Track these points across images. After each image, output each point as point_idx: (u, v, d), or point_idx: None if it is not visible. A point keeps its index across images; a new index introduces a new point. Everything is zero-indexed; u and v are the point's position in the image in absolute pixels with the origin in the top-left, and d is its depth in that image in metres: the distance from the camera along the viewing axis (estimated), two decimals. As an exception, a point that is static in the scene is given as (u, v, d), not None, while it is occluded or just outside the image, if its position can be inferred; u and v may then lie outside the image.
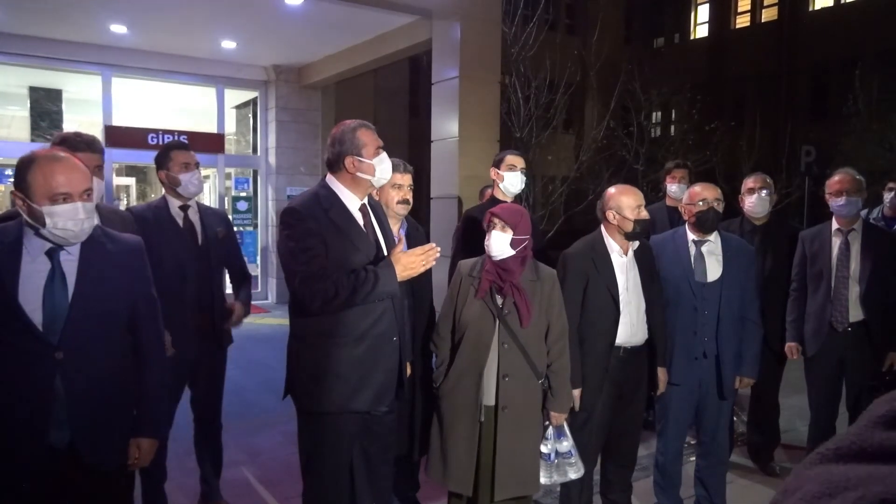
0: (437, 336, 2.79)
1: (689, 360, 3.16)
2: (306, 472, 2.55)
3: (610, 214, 3.01)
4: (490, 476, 2.64)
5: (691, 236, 3.25)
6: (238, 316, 3.35)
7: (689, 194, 3.28)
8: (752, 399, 4.18)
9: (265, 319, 9.45)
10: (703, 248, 3.23)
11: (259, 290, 10.85)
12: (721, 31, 19.00)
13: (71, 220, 1.88)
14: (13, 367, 1.89)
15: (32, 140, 9.86)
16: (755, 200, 3.87)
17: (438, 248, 2.43)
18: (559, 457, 2.78)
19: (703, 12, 19.79)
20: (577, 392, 2.98)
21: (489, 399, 2.63)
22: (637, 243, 3.07)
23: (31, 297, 1.88)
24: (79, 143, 2.62)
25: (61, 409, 1.91)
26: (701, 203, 3.17)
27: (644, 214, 2.98)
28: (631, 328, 3.00)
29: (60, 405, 1.91)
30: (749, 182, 3.94)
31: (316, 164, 11.02)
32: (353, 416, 2.48)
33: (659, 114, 16.23)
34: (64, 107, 10.35)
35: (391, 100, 14.52)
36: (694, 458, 3.63)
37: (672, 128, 16.34)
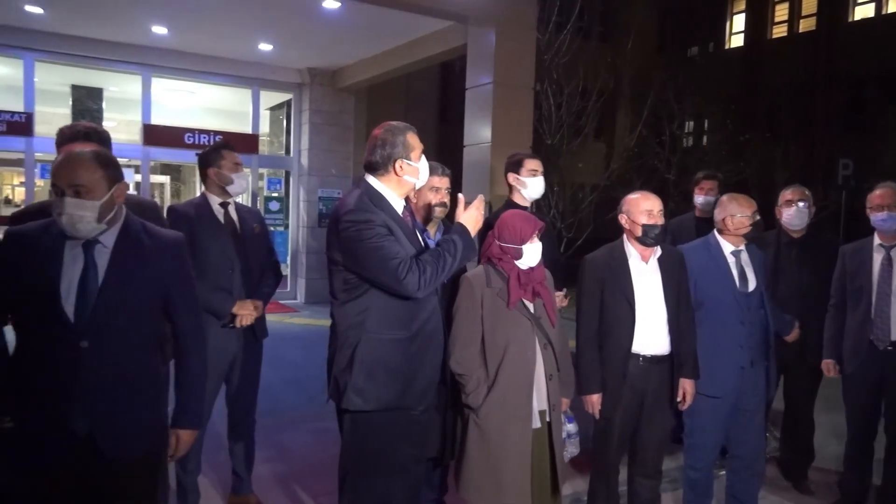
0: (464, 358, 2.64)
1: (734, 371, 3.13)
2: (348, 474, 2.54)
3: (623, 218, 3.02)
4: (549, 477, 2.64)
5: (730, 247, 3.23)
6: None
7: (736, 205, 3.23)
8: (786, 415, 4.11)
9: (294, 319, 9.54)
10: (742, 258, 3.21)
11: (288, 289, 10.97)
12: (757, 40, 18.76)
13: (60, 213, 1.90)
14: (43, 353, 1.95)
15: (73, 137, 10.10)
16: (793, 213, 3.82)
17: (483, 197, 2.58)
18: (568, 438, 2.85)
19: (739, 22, 19.57)
20: (595, 398, 2.99)
21: (541, 403, 2.63)
22: (660, 250, 3.05)
23: (67, 286, 1.94)
24: (77, 134, 2.60)
25: (83, 398, 1.94)
26: (749, 214, 3.18)
27: (655, 220, 2.96)
28: (650, 336, 2.97)
29: (83, 394, 1.94)
30: (787, 194, 3.89)
31: (347, 166, 11.13)
32: (399, 413, 2.50)
33: (692, 123, 16.06)
34: (104, 105, 10.60)
35: (422, 104, 14.59)
36: (723, 473, 3.59)
37: (705, 138, 16.16)
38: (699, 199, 4.52)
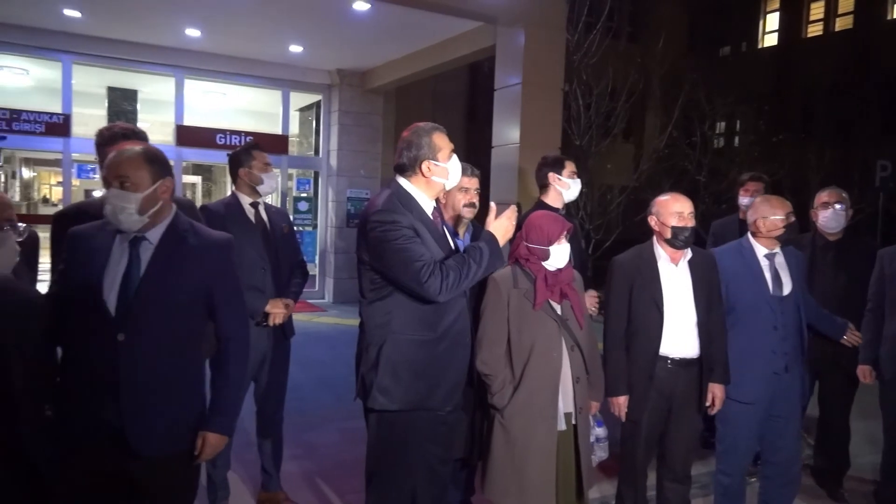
0: (489, 359, 2.63)
1: (767, 377, 3.08)
2: (374, 473, 2.56)
3: (652, 220, 3.00)
4: (573, 480, 2.63)
5: (763, 249, 3.17)
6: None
7: (769, 207, 3.17)
8: (820, 422, 4.03)
9: (322, 318, 9.62)
10: (776, 262, 3.15)
11: (316, 289, 11.06)
12: (791, 39, 18.43)
13: (106, 204, 2.01)
14: (84, 344, 2.01)
15: (109, 138, 10.32)
16: (829, 215, 3.75)
17: (516, 208, 2.57)
18: (597, 442, 2.82)
19: (773, 21, 19.24)
20: (622, 400, 2.96)
21: (567, 405, 2.61)
22: (690, 252, 3.01)
23: (111, 280, 2.00)
24: (115, 135, 2.68)
25: (117, 392, 1.97)
26: (783, 216, 3.12)
27: (686, 223, 2.92)
28: (678, 338, 2.94)
29: (117, 387, 1.97)
30: (823, 196, 3.81)
31: (376, 166, 11.19)
32: (425, 414, 2.51)
33: (723, 124, 15.83)
34: (139, 106, 10.81)
35: (449, 105, 14.62)
36: (754, 480, 3.53)
37: (737, 139, 15.91)
38: (744, 200, 4.43)
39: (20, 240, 1.77)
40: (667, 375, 2.94)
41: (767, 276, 3.13)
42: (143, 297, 1.99)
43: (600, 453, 2.85)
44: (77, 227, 2.14)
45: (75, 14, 8.08)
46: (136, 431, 1.98)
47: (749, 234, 3.24)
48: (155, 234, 2.07)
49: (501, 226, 2.50)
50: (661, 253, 3.00)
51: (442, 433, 2.62)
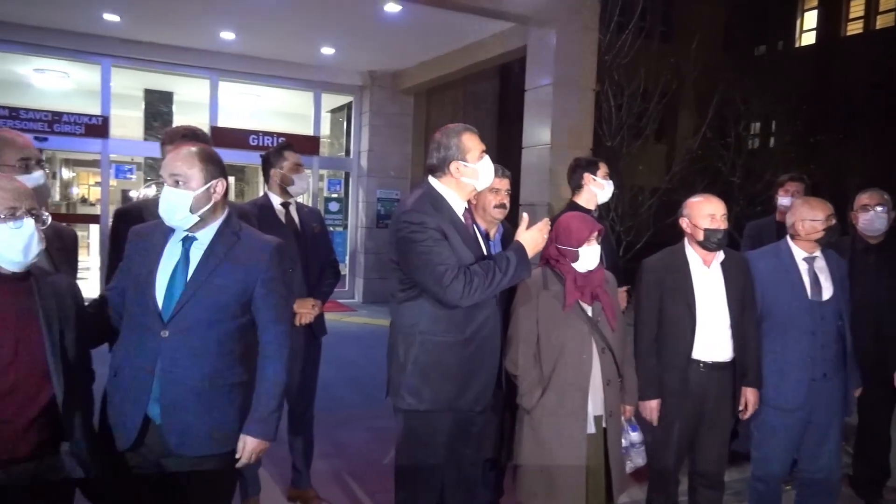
0: (519, 360, 2.63)
1: (804, 383, 3.01)
2: (403, 472, 2.57)
3: (683, 222, 2.95)
4: (603, 484, 2.61)
5: (802, 253, 3.10)
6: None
7: (808, 209, 3.11)
8: (859, 430, 3.93)
9: (352, 318, 9.69)
10: (816, 265, 3.08)
11: (346, 288, 11.14)
12: (830, 38, 18.00)
13: (161, 201, 2.06)
14: (133, 339, 2.06)
15: (145, 139, 10.55)
16: (870, 218, 3.64)
17: (549, 222, 2.55)
18: (632, 447, 2.78)
19: (811, 19, 18.82)
20: (653, 404, 2.92)
21: (597, 408, 2.60)
22: (723, 254, 2.96)
23: (162, 276, 2.05)
24: (175, 135, 2.80)
25: (159, 387, 2.01)
26: (823, 219, 3.05)
27: (719, 225, 2.87)
28: (711, 342, 2.89)
29: (158, 383, 2.00)
30: (864, 198, 3.71)
31: (406, 167, 11.24)
32: (454, 415, 2.51)
33: (758, 125, 15.53)
34: (174, 108, 11.02)
35: (480, 106, 14.59)
36: (789, 488, 3.45)
37: (772, 140, 15.60)
38: (784, 200, 4.34)
39: (44, 228, 1.82)
40: (699, 379, 2.90)
41: (806, 280, 3.06)
42: (189, 296, 2.02)
43: (637, 459, 2.80)
44: (138, 224, 2.21)
45: (114, 18, 8.27)
46: (175, 429, 2.01)
47: (788, 237, 3.18)
48: (206, 235, 2.10)
49: (531, 237, 2.48)
50: (693, 255, 2.95)
51: (471, 434, 2.63)
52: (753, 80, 13.00)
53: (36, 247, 1.80)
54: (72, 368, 1.89)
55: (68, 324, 1.90)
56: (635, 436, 2.80)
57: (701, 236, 2.88)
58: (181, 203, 2.03)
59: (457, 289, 2.29)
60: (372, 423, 4.87)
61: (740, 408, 2.97)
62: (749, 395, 2.97)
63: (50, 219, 1.86)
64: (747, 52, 18.45)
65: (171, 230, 2.11)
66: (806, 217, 3.07)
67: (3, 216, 1.74)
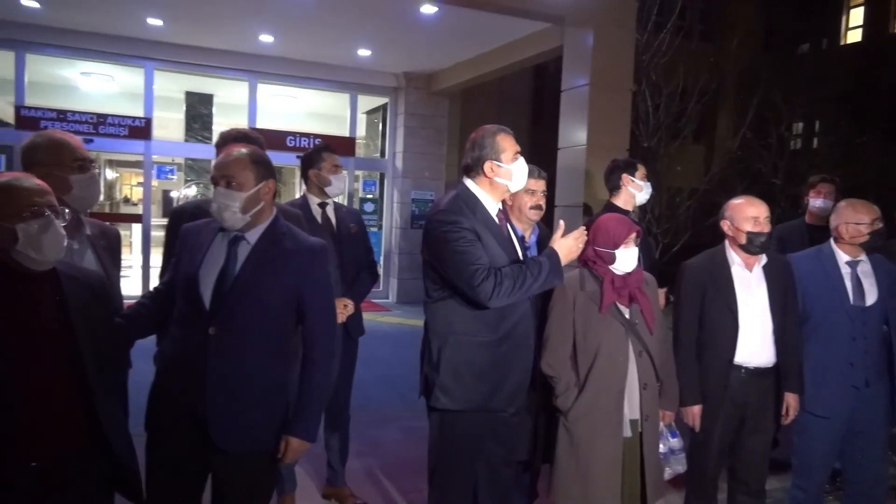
0: (554, 361, 2.63)
1: (844, 391, 2.94)
2: (436, 471, 2.58)
3: (725, 224, 2.90)
4: (638, 489, 2.58)
5: (845, 257, 3.02)
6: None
7: (852, 211, 3.03)
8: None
9: (386, 318, 9.75)
10: (859, 270, 3.00)
11: (381, 289, 11.21)
12: (878, 35, 17.46)
13: (213, 202, 2.11)
14: (181, 335, 2.10)
15: (186, 140, 10.78)
16: (919, 220, 3.54)
17: (585, 230, 2.54)
18: (671, 454, 2.75)
19: (857, 16, 18.29)
20: (695, 409, 2.88)
21: (633, 412, 2.57)
22: (765, 258, 2.90)
23: (209, 275, 2.08)
24: (227, 138, 2.87)
25: (204, 384, 2.03)
26: (868, 222, 2.96)
27: (762, 228, 2.81)
28: (754, 347, 2.83)
29: (204, 379, 2.03)
30: (912, 200, 3.60)
31: (440, 168, 11.26)
32: (487, 415, 2.51)
33: (801, 125, 15.15)
34: (214, 110, 11.24)
35: (514, 107, 14.56)
36: (832, 498, 3.37)
37: (815, 140, 15.21)
38: (816, 202, 4.24)
39: (64, 224, 1.82)
40: (741, 385, 2.84)
41: (848, 284, 2.99)
42: (235, 295, 2.06)
43: (676, 466, 2.76)
44: (189, 223, 2.26)
45: (158, 22, 8.48)
46: (220, 426, 2.03)
47: (831, 240, 3.10)
48: (253, 235, 2.14)
49: (566, 245, 2.48)
50: (735, 258, 2.90)
51: (504, 434, 2.62)
52: (796, 78, 12.70)
53: (61, 243, 1.80)
54: (105, 363, 1.90)
55: (99, 318, 1.92)
56: (675, 442, 2.77)
57: (743, 239, 2.83)
58: (233, 203, 2.07)
59: (486, 289, 2.30)
60: (405, 423, 4.89)
61: (783, 414, 2.91)
62: (791, 401, 2.91)
63: (69, 214, 1.85)
64: (790, 50, 18.01)
65: (220, 229, 2.15)
66: (850, 220, 2.99)
67: (25, 215, 1.72)
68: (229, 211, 2.07)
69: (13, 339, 1.71)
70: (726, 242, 2.95)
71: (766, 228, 2.82)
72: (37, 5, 7.93)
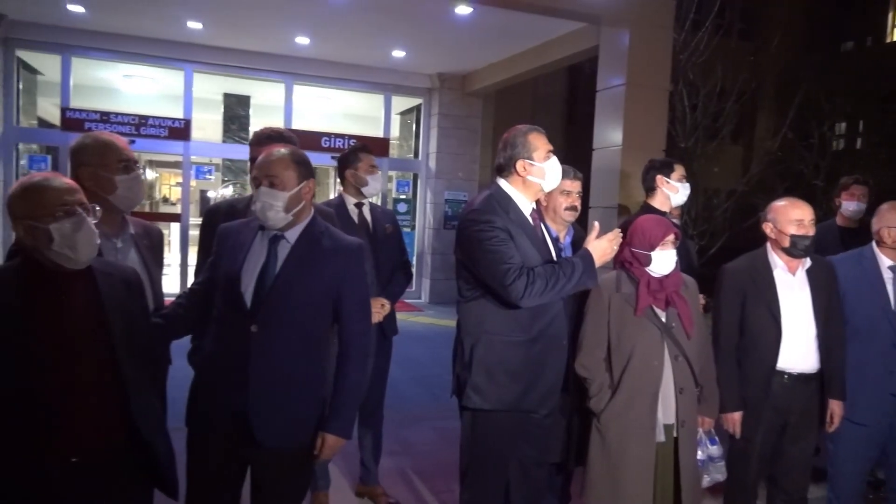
0: (588, 362, 2.61)
1: (884, 398, 2.86)
2: (468, 471, 2.58)
3: (767, 227, 2.84)
4: (671, 495, 2.55)
5: (887, 261, 2.94)
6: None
7: (895, 214, 2.95)
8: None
9: (419, 318, 9.78)
10: (903, 275, 2.92)
11: (413, 289, 11.25)
12: (925, 33, 16.91)
13: (256, 201, 2.12)
14: (223, 334, 2.13)
15: (224, 141, 10.97)
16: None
17: (620, 233, 2.51)
18: (710, 461, 2.70)
19: (904, 13, 17.74)
20: (735, 416, 2.82)
21: (668, 417, 2.53)
22: (809, 261, 2.84)
23: (250, 274, 2.11)
24: (261, 138, 2.85)
25: (248, 381, 2.06)
26: None
27: (806, 231, 2.75)
28: (797, 352, 2.77)
29: (247, 377, 2.06)
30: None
31: (474, 169, 11.26)
32: (519, 415, 2.51)
33: (844, 125, 14.76)
34: (251, 111, 11.41)
35: (549, 107, 14.49)
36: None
37: (859, 140, 14.80)
38: (850, 205, 4.14)
39: (95, 221, 1.83)
40: (783, 391, 2.79)
41: (890, 289, 2.91)
42: (276, 293, 2.08)
43: (715, 474, 2.71)
44: (226, 223, 2.30)
45: (197, 26, 8.65)
46: (260, 422, 2.06)
47: (873, 244, 3.02)
48: (293, 234, 2.17)
49: (600, 247, 2.46)
50: (777, 261, 2.84)
51: (537, 436, 2.62)
52: (839, 77, 12.37)
53: (94, 241, 1.81)
54: (140, 359, 1.93)
55: (134, 314, 1.95)
56: (714, 449, 2.71)
57: (787, 242, 2.77)
58: (276, 203, 2.09)
59: (518, 288, 2.30)
60: (438, 423, 4.91)
61: (826, 421, 2.85)
62: (835, 408, 2.85)
63: (100, 212, 1.87)
64: (833, 48, 17.55)
65: (259, 229, 2.18)
66: (892, 224, 2.92)
67: (59, 214, 1.74)
68: (273, 210, 2.09)
69: (51, 338, 1.75)
70: (768, 245, 2.88)
71: (811, 231, 2.76)
72: (83, 10, 8.16)
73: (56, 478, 1.74)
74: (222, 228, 2.27)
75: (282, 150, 2.19)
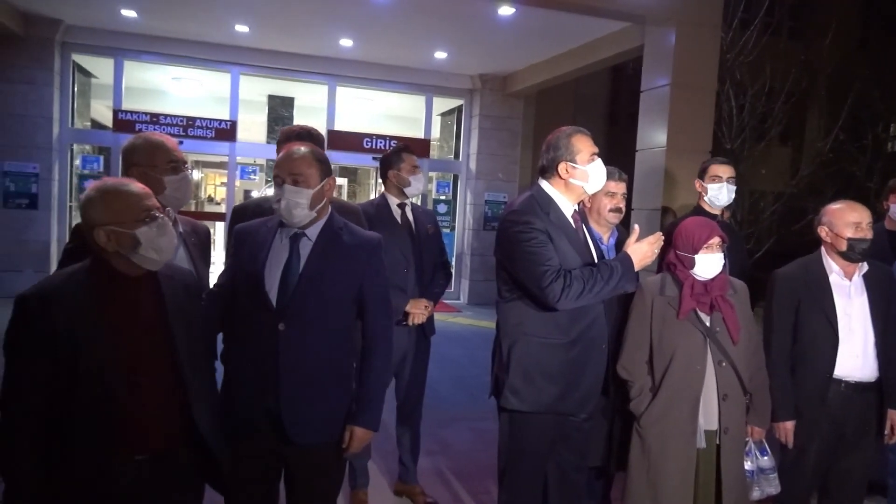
0: (630, 364, 2.60)
1: None
2: (505, 472, 2.57)
3: (822, 231, 2.76)
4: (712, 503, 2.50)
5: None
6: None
7: None
8: None
9: (457, 319, 9.79)
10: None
11: (452, 289, 11.27)
12: None
13: (279, 200, 2.14)
14: (249, 334, 2.15)
15: (268, 142, 11.17)
16: None
17: (662, 236, 2.48)
18: (761, 473, 2.62)
19: (966, 8, 17.01)
20: (788, 425, 2.75)
21: (710, 423, 2.48)
22: (866, 266, 2.75)
23: (273, 273, 2.14)
24: (290, 134, 2.87)
25: (277, 379, 2.08)
26: None
27: (864, 234, 2.66)
28: (855, 360, 2.68)
29: (277, 375, 2.08)
30: None
31: (514, 170, 11.22)
32: (557, 418, 2.49)
33: (900, 126, 14.23)
34: (295, 113, 11.59)
35: (591, 108, 14.36)
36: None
37: (916, 142, 14.25)
38: None
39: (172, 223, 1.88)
40: (840, 400, 2.70)
41: None
42: (302, 290, 2.11)
43: (767, 487, 2.62)
44: (242, 223, 2.32)
45: (244, 29, 8.83)
46: (292, 419, 2.09)
47: None
48: (313, 231, 2.19)
49: (640, 249, 2.43)
50: (833, 266, 2.76)
51: (576, 439, 2.59)
52: (894, 76, 11.94)
53: (174, 242, 1.87)
54: (198, 361, 1.98)
55: (192, 316, 1.99)
56: (766, 461, 2.63)
57: (843, 246, 2.68)
58: (302, 200, 2.12)
59: (555, 291, 2.28)
60: (476, 424, 4.90)
61: (885, 432, 2.75)
62: (894, 418, 2.75)
63: (174, 214, 1.94)
64: (888, 46, 16.95)
65: (277, 227, 2.20)
66: None
67: (145, 219, 1.80)
68: (298, 207, 2.12)
69: (123, 339, 1.80)
70: (822, 249, 2.80)
71: (869, 235, 2.68)
72: (135, 15, 8.41)
73: (123, 475, 1.80)
74: (239, 229, 2.29)
75: (302, 148, 2.21)
